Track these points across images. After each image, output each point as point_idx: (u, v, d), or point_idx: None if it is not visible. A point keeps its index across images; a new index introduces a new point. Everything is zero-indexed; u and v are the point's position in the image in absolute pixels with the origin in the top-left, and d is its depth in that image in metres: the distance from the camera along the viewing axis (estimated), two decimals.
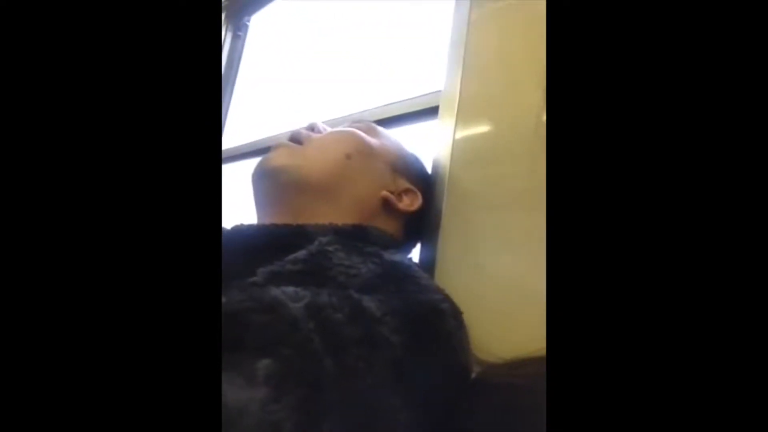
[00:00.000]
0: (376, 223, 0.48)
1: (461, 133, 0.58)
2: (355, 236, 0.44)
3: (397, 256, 0.42)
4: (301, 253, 0.38)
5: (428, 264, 0.54)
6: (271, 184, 0.50)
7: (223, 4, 1.35)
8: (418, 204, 0.52)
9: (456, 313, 0.38)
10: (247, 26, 1.35)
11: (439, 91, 0.63)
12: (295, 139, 0.53)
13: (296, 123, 0.60)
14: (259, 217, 0.52)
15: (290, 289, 0.31)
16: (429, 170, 0.59)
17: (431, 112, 0.66)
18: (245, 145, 1.12)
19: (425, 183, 0.56)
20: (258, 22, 1.34)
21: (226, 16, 1.35)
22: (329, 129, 0.57)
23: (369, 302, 0.32)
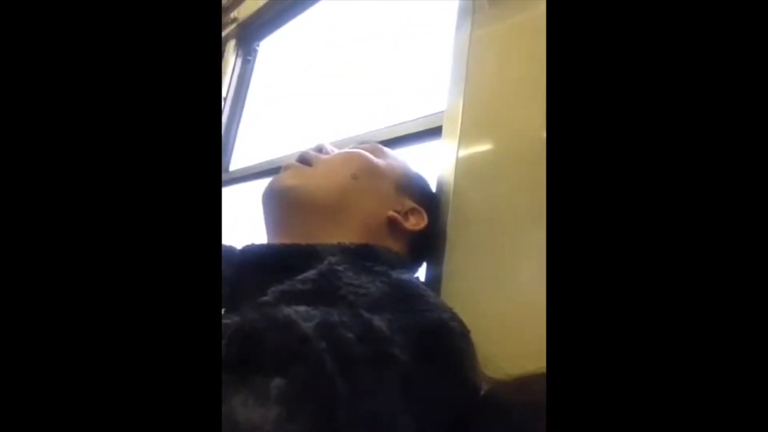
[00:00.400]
0: (382, 242, 0.49)
1: (464, 152, 0.59)
2: (363, 255, 0.44)
3: (404, 275, 0.43)
4: (311, 273, 0.39)
5: (434, 282, 0.54)
6: (280, 204, 0.52)
7: (233, 30, 1.39)
8: (423, 223, 0.53)
9: (465, 331, 0.38)
10: (256, 51, 1.39)
11: (442, 111, 0.65)
12: (304, 160, 0.55)
13: (304, 144, 0.62)
14: (268, 237, 0.53)
15: (301, 308, 0.32)
16: (434, 189, 0.60)
17: (435, 132, 0.67)
18: (255, 165, 1.14)
19: (430, 202, 0.57)
20: (267, 47, 1.38)
21: (236, 42, 1.38)
22: (336, 150, 0.58)
23: (379, 321, 0.33)
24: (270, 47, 1.37)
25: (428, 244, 0.56)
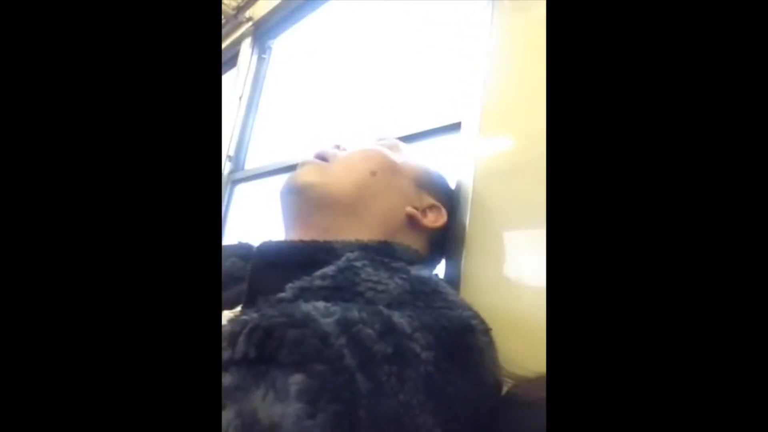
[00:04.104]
0: (401, 239, 0.49)
1: (484, 148, 0.58)
2: (381, 252, 0.44)
3: (424, 272, 0.42)
4: (329, 269, 0.39)
5: (453, 280, 0.54)
6: (298, 200, 0.51)
7: (248, 29, 1.40)
8: (442, 220, 0.52)
9: (486, 329, 0.37)
10: (271, 49, 1.39)
11: (462, 107, 0.64)
12: (321, 156, 0.54)
13: (322, 141, 0.61)
14: (286, 234, 0.53)
15: (321, 304, 0.32)
16: (453, 186, 0.59)
17: (454, 127, 0.66)
18: (271, 163, 1.15)
19: (449, 199, 0.56)
20: (282, 44, 1.38)
21: (251, 40, 1.39)
22: (354, 146, 0.58)
23: (399, 318, 0.32)
24: (286, 44, 1.37)
25: (447, 240, 0.55)
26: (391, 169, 0.52)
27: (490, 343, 0.37)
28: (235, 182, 1.27)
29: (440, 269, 0.57)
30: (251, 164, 1.28)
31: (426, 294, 0.38)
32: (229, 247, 0.60)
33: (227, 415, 0.26)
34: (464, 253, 0.54)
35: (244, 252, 0.57)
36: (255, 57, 1.39)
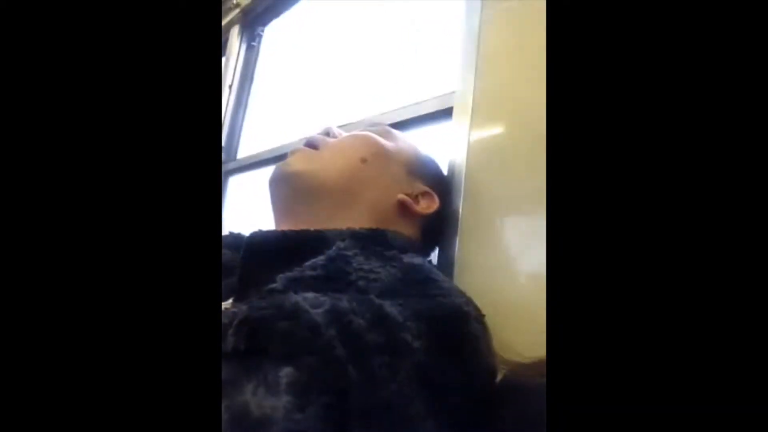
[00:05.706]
0: (393, 227, 0.48)
1: (476, 135, 0.57)
2: (373, 240, 0.43)
3: (416, 259, 0.42)
4: (319, 259, 0.38)
5: (447, 267, 0.53)
6: (288, 189, 0.51)
7: (236, 16, 1.37)
8: (435, 206, 0.52)
9: (479, 316, 0.37)
10: (261, 36, 1.37)
11: (453, 92, 0.63)
12: (311, 144, 0.53)
13: (312, 128, 0.60)
14: (276, 223, 0.52)
15: (310, 294, 0.31)
16: (445, 172, 0.58)
17: (446, 113, 0.65)
18: (263, 152, 1.13)
19: (442, 185, 0.55)
20: (272, 31, 1.36)
21: (239, 28, 1.37)
22: (345, 133, 0.57)
23: (390, 307, 0.32)
24: (276, 31, 1.35)
25: (440, 227, 0.55)
26: (382, 156, 0.52)
27: (484, 329, 0.37)
28: (228, 173, 1.26)
29: (433, 256, 0.56)
30: (243, 154, 1.27)
31: (419, 282, 0.37)
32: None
33: None
34: (458, 240, 0.54)
35: (234, 242, 0.56)
36: (244, 45, 1.36)
